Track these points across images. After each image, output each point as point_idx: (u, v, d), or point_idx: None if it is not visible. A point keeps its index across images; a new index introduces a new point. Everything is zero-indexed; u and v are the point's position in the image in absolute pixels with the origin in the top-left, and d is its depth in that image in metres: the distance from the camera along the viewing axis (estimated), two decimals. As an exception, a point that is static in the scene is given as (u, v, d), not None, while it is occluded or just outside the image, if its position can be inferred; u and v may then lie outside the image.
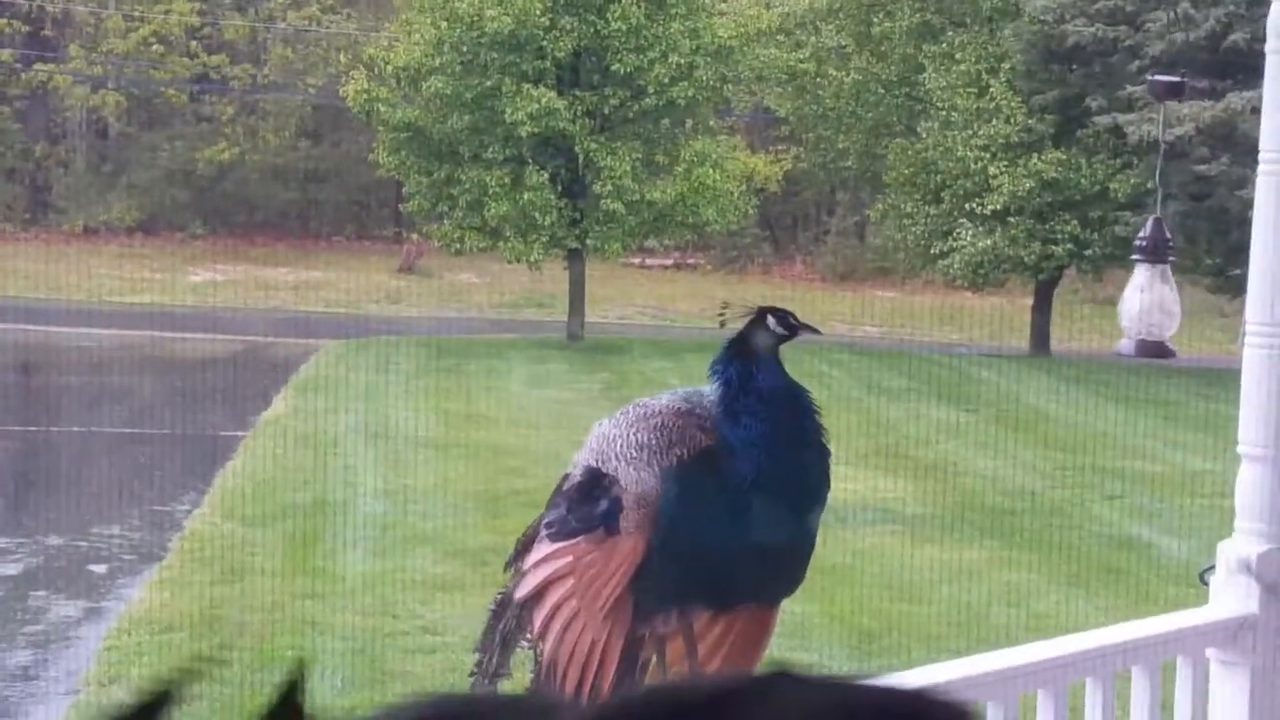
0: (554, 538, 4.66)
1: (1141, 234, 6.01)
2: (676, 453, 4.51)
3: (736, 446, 4.51)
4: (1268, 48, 5.04)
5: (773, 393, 4.55)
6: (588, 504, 4.59)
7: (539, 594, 4.65)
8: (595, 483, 4.58)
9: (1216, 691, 5.08)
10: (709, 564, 4.57)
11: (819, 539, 4.80)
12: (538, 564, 4.68)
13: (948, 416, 25.93)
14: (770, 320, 4.62)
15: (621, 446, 4.56)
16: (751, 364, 4.56)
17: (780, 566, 4.67)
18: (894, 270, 46.58)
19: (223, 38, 55.63)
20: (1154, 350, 6.03)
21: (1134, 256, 6.02)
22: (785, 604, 4.94)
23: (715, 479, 4.52)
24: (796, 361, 4.88)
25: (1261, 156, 5.07)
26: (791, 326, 4.65)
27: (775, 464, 4.52)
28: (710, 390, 4.65)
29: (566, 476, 4.77)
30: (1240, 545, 5.12)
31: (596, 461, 4.61)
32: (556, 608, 4.59)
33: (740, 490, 4.50)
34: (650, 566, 4.49)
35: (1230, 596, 5.10)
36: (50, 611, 14.62)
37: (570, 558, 4.59)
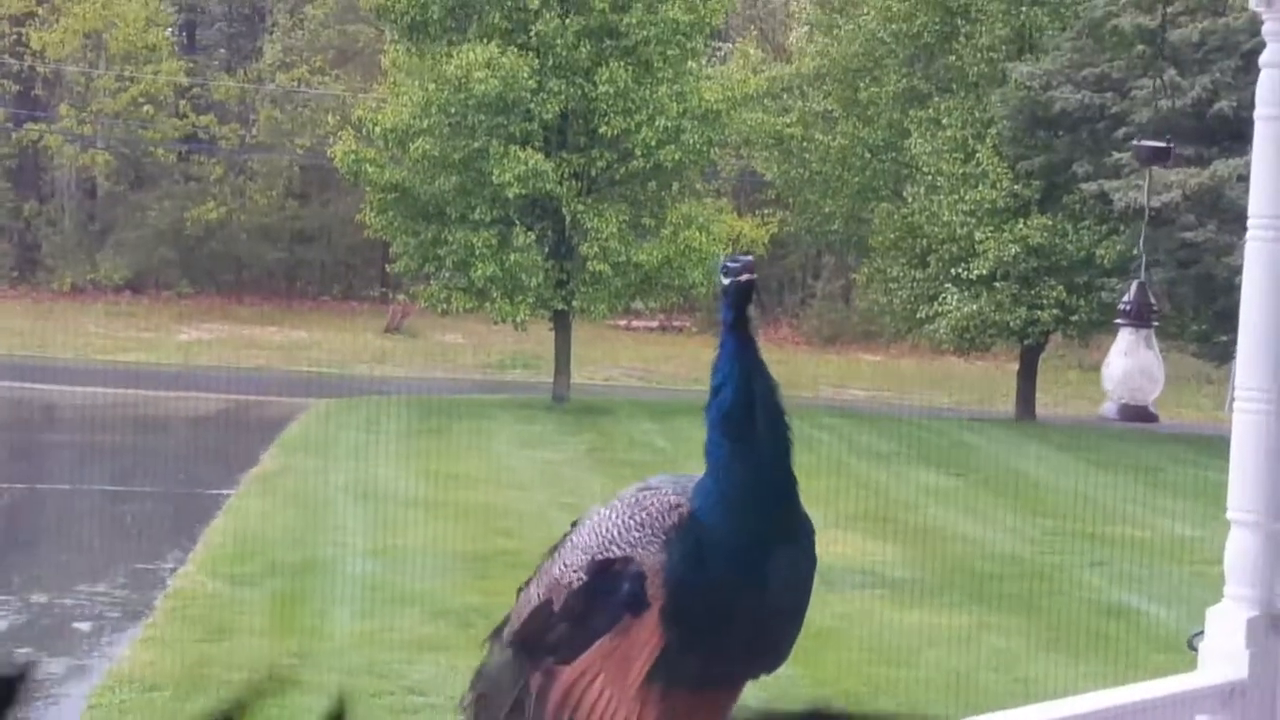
0: (571, 658, 4.60)
1: (1125, 298, 6.05)
2: (675, 516, 4.51)
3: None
4: (1256, 114, 5.08)
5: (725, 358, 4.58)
6: (604, 598, 4.55)
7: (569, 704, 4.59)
8: (604, 573, 4.55)
9: (1206, 757, 5.08)
10: (721, 625, 4.55)
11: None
12: (566, 692, 4.60)
13: (934, 480, 25.94)
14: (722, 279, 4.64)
15: (620, 532, 4.55)
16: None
17: (782, 627, 4.65)
18: (880, 334, 46.69)
19: (212, 98, 55.83)
20: (1137, 414, 6.06)
21: (1117, 320, 6.06)
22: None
23: (705, 539, 4.51)
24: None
25: (1250, 222, 5.10)
26: (730, 269, 4.65)
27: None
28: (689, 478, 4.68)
29: (548, 602, 4.69)
30: (1230, 611, 5.14)
31: (600, 554, 4.57)
32: (591, 708, 4.55)
33: (729, 534, 4.50)
34: (674, 635, 4.46)
35: (1220, 662, 5.10)
36: (35, 669, 14.55)
37: (596, 658, 4.55)
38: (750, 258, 4.75)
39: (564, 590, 4.62)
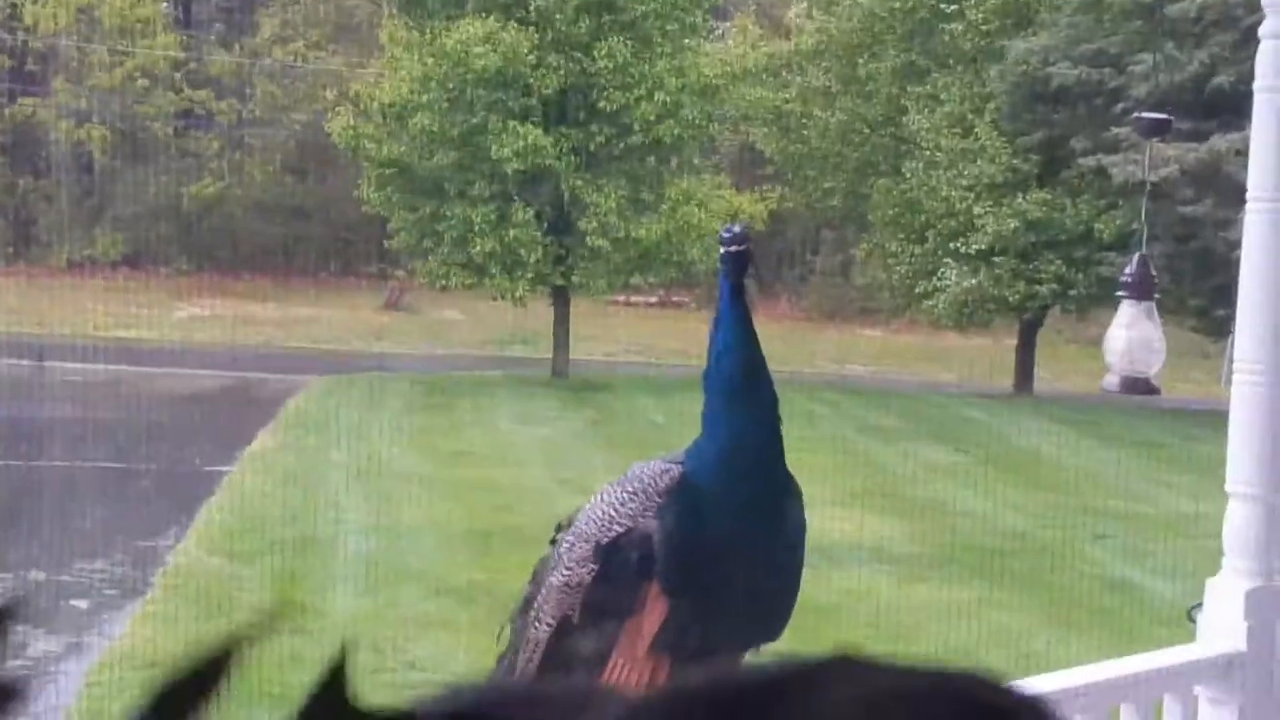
0: (603, 652, 4.58)
1: (1127, 271, 6.05)
2: (667, 479, 4.54)
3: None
4: (1255, 86, 5.06)
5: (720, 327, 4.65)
6: (620, 577, 4.55)
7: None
8: (614, 552, 4.55)
9: (1205, 729, 5.08)
10: (718, 583, 4.57)
11: (808, 577, 4.82)
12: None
13: (936, 456, 25.93)
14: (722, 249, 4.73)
15: (616, 509, 4.56)
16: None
17: (775, 591, 4.67)
18: (879, 309, 46.66)
19: (208, 73, 55.67)
20: (1139, 386, 6.06)
21: (1119, 293, 6.07)
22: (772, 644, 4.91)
23: (700, 497, 4.55)
24: (785, 400, 4.88)
25: (1250, 195, 5.09)
26: (724, 239, 4.73)
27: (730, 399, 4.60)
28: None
29: (565, 619, 4.64)
30: (1228, 583, 5.13)
31: (604, 538, 4.57)
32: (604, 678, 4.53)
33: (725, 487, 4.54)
34: (676, 595, 4.49)
35: (1218, 634, 5.10)
36: (32, 646, 14.56)
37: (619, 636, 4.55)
38: (742, 227, 4.81)
39: (578, 593, 4.61)
